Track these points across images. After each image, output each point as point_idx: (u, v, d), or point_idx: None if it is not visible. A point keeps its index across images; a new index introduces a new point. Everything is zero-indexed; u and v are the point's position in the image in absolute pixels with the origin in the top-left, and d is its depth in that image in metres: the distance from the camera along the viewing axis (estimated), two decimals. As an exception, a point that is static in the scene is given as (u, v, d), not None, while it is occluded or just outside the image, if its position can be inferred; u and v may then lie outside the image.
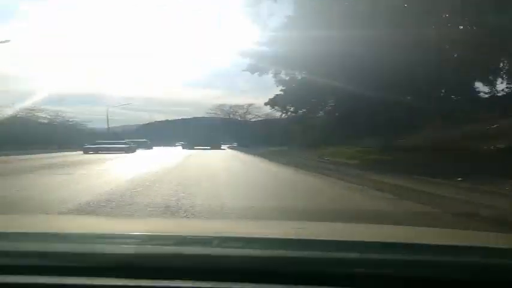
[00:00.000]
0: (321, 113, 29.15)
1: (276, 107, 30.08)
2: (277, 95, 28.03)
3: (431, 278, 1.00)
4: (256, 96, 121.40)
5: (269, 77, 25.47)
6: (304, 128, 29.36)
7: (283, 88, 26.86)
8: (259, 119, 66.68)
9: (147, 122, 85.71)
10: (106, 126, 54.46)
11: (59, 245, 1.15)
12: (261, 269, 1.04)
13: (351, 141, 20.06)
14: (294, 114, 30.02)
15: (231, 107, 71.56)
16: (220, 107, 71.07)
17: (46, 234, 1.33)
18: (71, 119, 50.28)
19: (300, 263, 1.07)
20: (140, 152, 31.50)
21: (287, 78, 25.51)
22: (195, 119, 79.15)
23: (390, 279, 1.01)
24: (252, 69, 24.66)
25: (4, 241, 1.20)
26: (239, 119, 72.01)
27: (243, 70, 25.25)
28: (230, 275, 1.02)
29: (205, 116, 72.77)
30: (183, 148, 43.27)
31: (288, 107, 29.19)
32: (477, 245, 1.30)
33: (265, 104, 30.31)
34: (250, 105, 70.99)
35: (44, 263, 1.06)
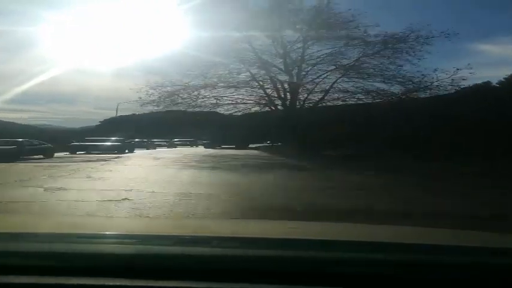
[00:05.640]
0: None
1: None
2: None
3: (431, 278, 1.01)
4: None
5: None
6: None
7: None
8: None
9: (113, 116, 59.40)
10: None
11: (59, 245, 1.14)
12: (260, 269, 1.04)
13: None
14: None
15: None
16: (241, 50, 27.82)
17: (46, 234, 1.32)
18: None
19: (299, 262, 1.07)
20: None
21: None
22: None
23: (389, 279, 1.02)
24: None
25: (4, 241, 1.19)
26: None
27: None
28: (230, 275, 1.02)
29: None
30: (206, 148, 38.41)
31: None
32: (477, 245, 1.30)
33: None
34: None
35: (44, 263, 1.06)
